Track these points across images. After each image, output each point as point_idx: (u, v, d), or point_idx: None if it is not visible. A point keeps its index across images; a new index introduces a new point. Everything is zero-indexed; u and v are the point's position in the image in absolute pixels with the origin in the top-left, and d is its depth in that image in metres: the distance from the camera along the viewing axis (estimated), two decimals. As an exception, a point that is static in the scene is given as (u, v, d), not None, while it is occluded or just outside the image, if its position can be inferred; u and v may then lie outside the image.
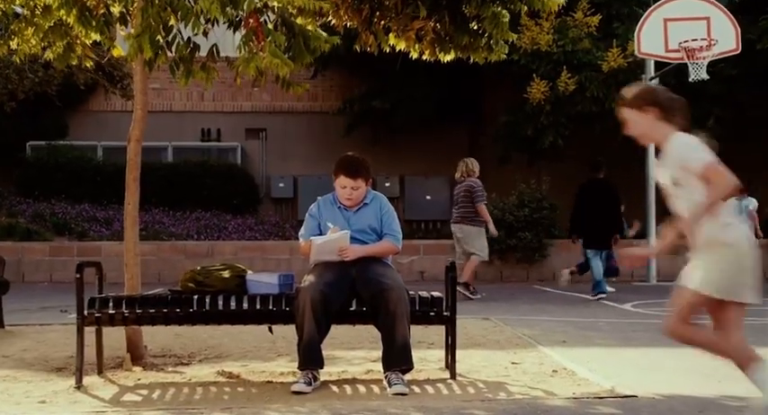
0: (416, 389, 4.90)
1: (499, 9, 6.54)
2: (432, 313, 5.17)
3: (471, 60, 7.07)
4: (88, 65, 6.66)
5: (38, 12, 5.98)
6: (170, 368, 5.72)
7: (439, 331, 5.73)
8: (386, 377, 4.93)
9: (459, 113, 18.50)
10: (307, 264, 5.44)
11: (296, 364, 5.08)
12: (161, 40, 5.39)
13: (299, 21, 6.06)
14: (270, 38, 5.29)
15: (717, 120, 15.59)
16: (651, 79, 12.89)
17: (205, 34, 5.59)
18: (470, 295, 11.11)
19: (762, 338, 5.97)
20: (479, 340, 6.95)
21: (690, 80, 12.52)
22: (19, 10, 6.18)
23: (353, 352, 6.31)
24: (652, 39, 12.84)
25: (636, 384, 4.92)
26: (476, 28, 6.81)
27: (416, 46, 6.96)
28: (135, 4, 5.52)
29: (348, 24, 7.02)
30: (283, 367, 5.65)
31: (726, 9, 13.01)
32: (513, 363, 5.81)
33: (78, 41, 6.24)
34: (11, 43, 6.24)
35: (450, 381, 5.14)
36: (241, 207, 18.40)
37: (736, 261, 3.74)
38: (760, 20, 15.29)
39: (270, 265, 14.88)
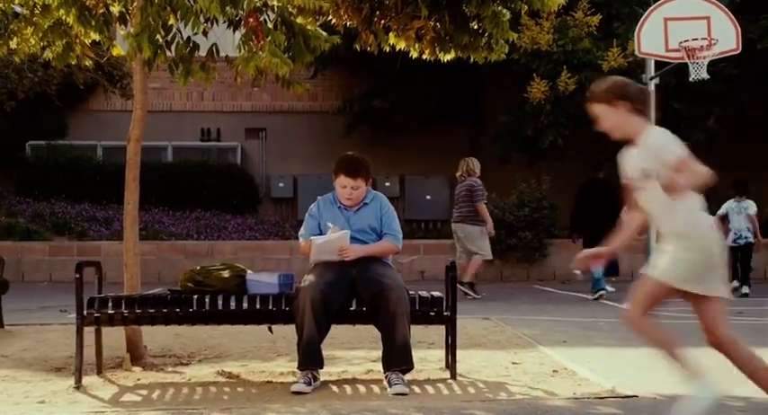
0: (417, 389, 4.89)
1: (499, 8, 6.53)
2: (432, 313, 5.16)
3: (471, 60, 7.06)
4: (87, 64, 6.66)
5: (37, 11, 5.97)
6: (170, 368, 5.72)
7: (439, 331, 5.73)
8: (386, 377, 4.92)
9: (459, 113, 18.46)
10: (307, 264, 5.43)
11: (296, 364, 5.08)
12: (160, 40, 5.39)
13: (298, 20, 6.05)
14: (270, 37, 5.29)
15: (717, 120, 15.59)
16: (651, 78, 12.86)
17: (205, 33, 5.59)
18: (476, 295, 11.14)
19: (762, 338, 5.96)
20: (480, 340, 6.94)
21: (690, 80, 12.48)
22: (18, 9, 6.17)
23: (353, 352, 6.30)
24: (652, 38, 12.79)
25: (637, 384, 4.92)
26: (476, 27, 6.80)
27: (416, 45, 6.95)
28: (134, 4, 5.51)
29: (348, 23, 7.02)
30: (283, 367, 5.64)
31: (726, 8, 12.97)
32: (513, 363, 5.81)
33: (78, 41, 6.22)
34: (10, 43, 6.23)
35: (450, 381, 5.13)
36: (241, 206, 18.37)
37: (703, 252, 3.74)
38: (760, 19, 15.27)
39: (270, 265, 14.86)
